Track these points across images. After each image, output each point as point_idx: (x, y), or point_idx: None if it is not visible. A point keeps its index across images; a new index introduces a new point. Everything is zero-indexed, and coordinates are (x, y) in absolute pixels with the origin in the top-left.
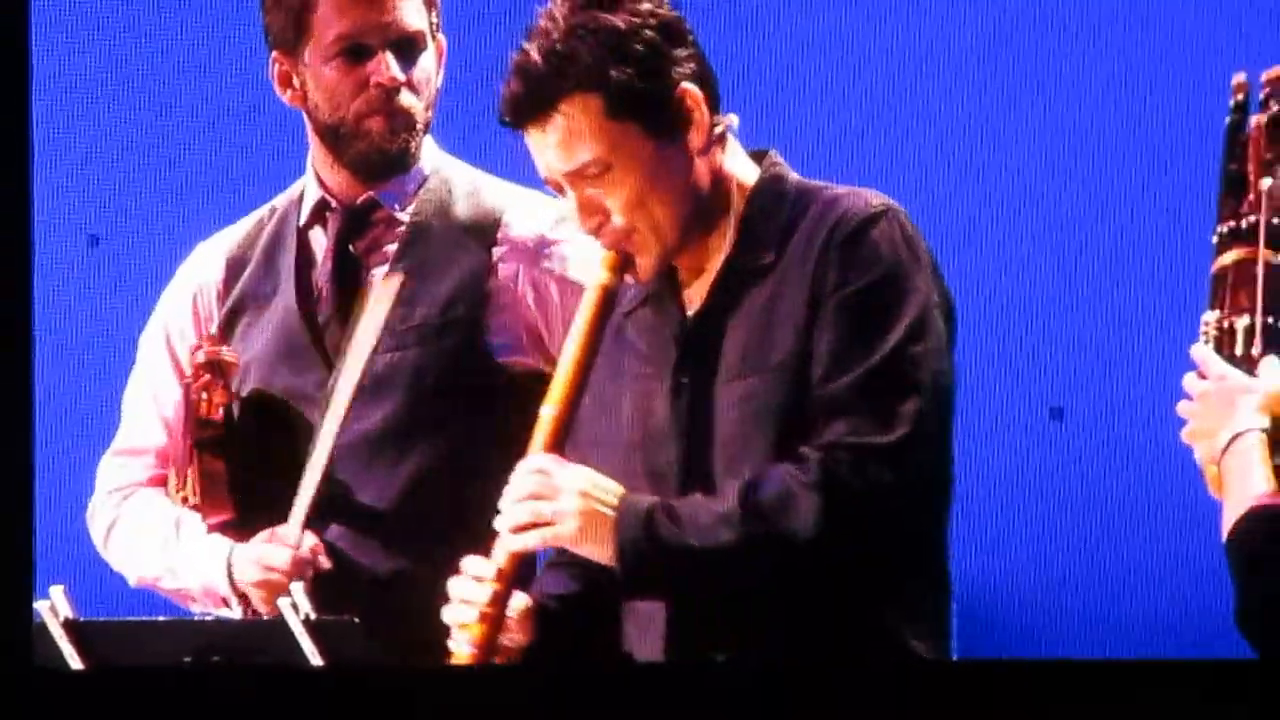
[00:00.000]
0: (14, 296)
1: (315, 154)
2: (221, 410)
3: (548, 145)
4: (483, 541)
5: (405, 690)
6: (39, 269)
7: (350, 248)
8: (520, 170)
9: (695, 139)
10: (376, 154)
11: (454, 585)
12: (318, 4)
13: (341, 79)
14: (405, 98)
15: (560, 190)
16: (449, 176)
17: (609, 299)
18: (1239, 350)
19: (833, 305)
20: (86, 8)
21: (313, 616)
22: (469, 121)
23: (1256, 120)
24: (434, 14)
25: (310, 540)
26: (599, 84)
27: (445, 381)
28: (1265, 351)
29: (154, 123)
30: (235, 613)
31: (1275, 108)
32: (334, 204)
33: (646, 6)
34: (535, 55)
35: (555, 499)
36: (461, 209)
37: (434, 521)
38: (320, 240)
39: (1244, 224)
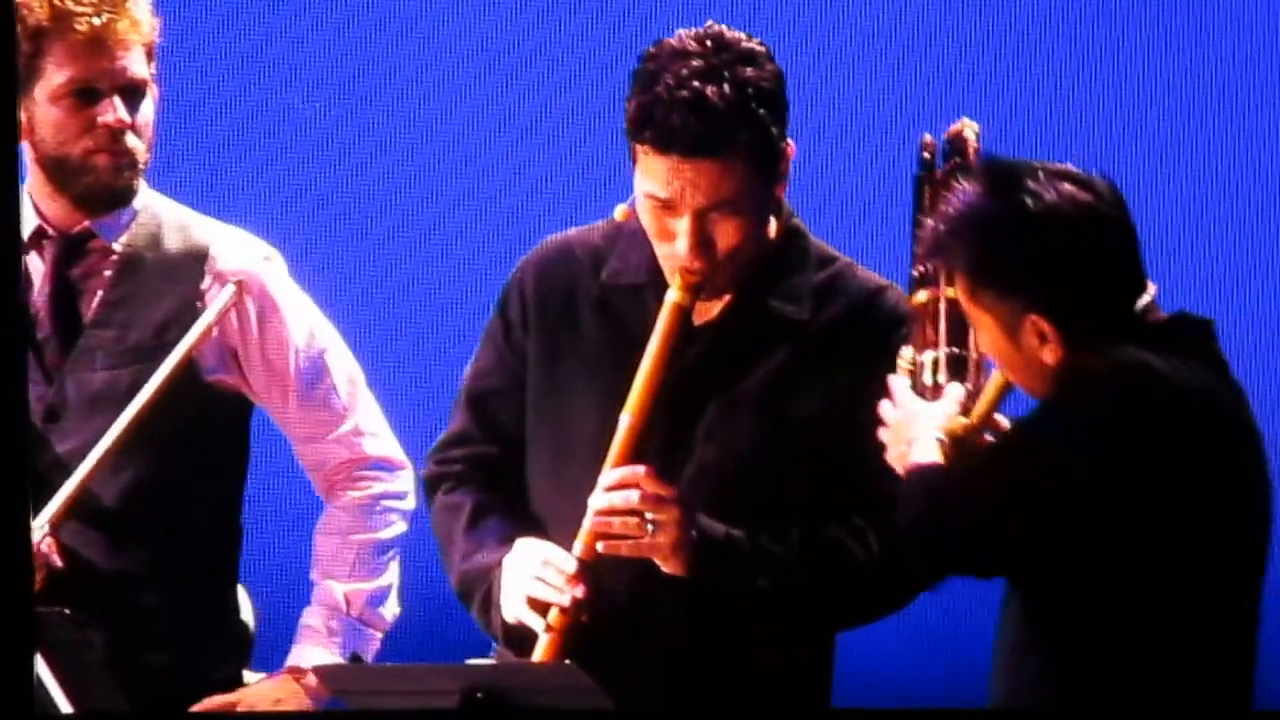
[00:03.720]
0: None
1: (34, 184)
2: None
3: (695, 178)
4: (201, 543)
5: None
6: None
7: (67, 273)
8: (217, 208)
9: (780, 189)
10: (102, 188)
11: (540, 569)
12: (50, 49)
13: (69, 118)
14: (130, 139)
15: (668, 209)
16: (159, 212)
17: (685, 318)
18: (927, 380)
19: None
20: None
21: None
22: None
23: (938, 174)
24: (153, 65)
25: (48, 539)
26: (761, 139)
27: (158, 397)
28: (950, 378)
29: None
30: None
31: (953, 162)
32: (51, 232)
33: (771, 68)
34: (714, 99)
35: (655, 515)
36: (172, 243)
37: (151, 525)
38: (37, 265)
39: (929, 267)
